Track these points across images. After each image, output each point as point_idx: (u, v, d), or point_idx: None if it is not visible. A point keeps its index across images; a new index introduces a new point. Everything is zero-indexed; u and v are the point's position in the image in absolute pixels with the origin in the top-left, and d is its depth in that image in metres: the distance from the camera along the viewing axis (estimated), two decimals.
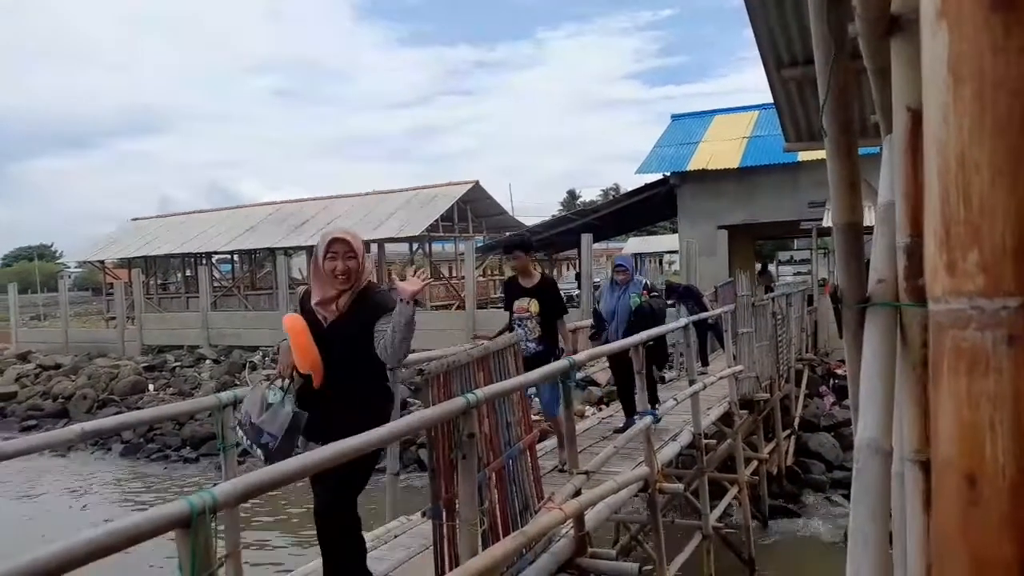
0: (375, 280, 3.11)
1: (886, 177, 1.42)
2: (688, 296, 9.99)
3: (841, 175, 1.23)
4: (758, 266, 21.20)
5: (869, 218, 1.73)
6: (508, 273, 30.80)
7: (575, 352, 5.13)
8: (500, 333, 5.52)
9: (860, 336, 1.37)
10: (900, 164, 1.21)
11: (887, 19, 1.20)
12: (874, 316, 1.32)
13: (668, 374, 10.39)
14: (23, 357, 22.45)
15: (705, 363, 9.85)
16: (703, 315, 8.28)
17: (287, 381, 2.94)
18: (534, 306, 5.06)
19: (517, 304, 5.12)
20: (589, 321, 10.04)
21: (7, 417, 17.56)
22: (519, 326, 5.04)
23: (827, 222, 15.13)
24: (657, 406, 5.97)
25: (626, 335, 5.67)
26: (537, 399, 5.38)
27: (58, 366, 20.54)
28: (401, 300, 2.79)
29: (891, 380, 1.27)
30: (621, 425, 6.44)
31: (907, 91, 1.18)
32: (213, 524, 1.60)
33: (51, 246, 72.43)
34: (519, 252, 5.18)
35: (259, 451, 2.85)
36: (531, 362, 4.58)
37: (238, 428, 2.98)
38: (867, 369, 1.29)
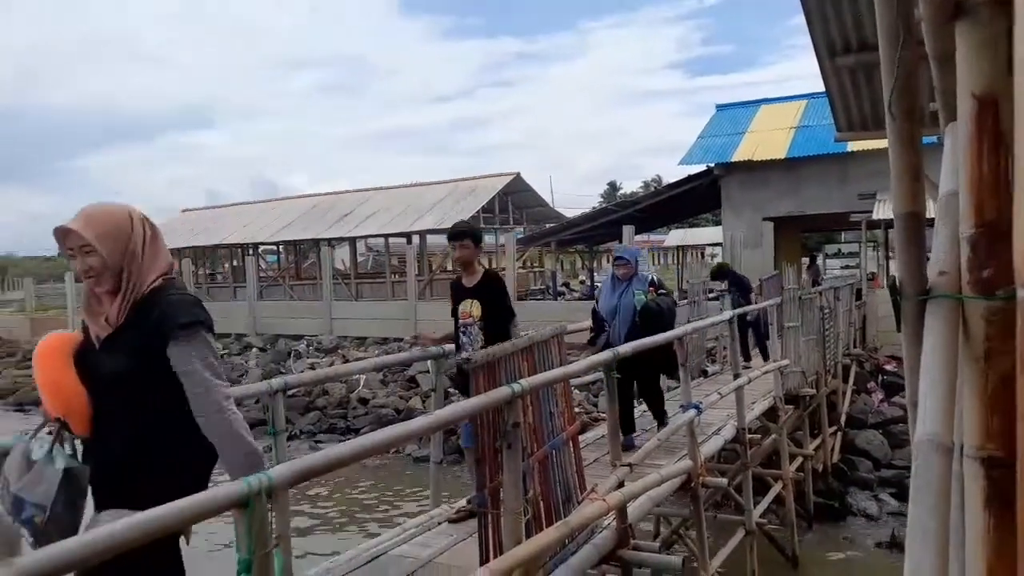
0: (177, 276, 2.26)
1: (949, 166, 1.38)
2: (738, 285, 9.81)
3: (904, 163, 1.20)
4: (806, 260, 20.78)
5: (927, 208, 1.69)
6: (551, 265, 30.56)
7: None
8: (443, 338, 4.64)
9: (919, 330, 1.34)
10: (965, 153, 1.18)
11: (952, 3, 1.16)
12: (935, 309, 1.29)
13: (711, 368, 10.26)
14: None
15: (747, 358, 9.68)
16: (742, 310, 8.06)
17: (57, 427, 2.08)
18: (476, 309, 4.21)
19: (461, 308, 4.28)
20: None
21: None
22: (463, 334, 4.25)
23: (878, 214, 14.76)
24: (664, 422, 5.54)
25: (629, 338, 4.98)
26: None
27: None
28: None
29: (952, 374, 1.24)
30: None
31: (973, 77, 1.15)
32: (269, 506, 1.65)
33: None
34: (468, 241, 4.27)
35: (25, 531, 1.92)
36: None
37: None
38: (927, 363, 1.26)
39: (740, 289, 9.76)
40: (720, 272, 10.41)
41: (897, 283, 1.35)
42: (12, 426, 15.51)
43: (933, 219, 1.35)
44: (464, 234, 4.29)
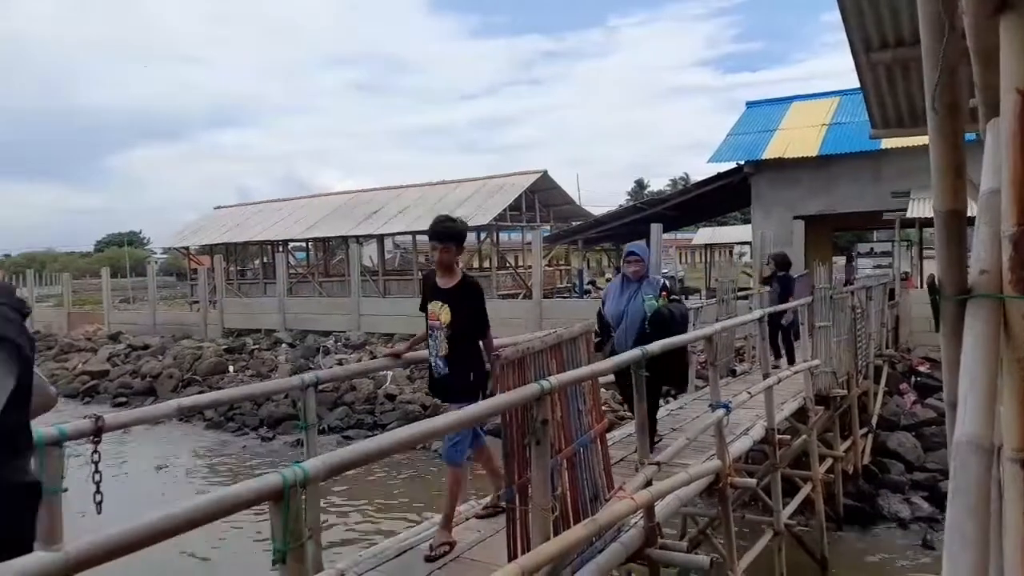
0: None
1: (990, 163, 1.36)
2: (783, 283, 9.51)
3: (946, 160, 1.19)
4: (842, 259, 20.48)
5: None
6: (578, 263, 30.41)
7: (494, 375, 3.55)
8: (412, 344, 4.31)
9: (959, 329, 1.32)
10: (1007, 149, 1.16)
11: None
12: (976, 308, 1.27)
13: (739, 367, 10.15)
14: (114, 337, 23.84)
15: (777, 355, 9.51)
16: (771, 309, 7.88)
17: None
18: (445, 314, 3.84)
19: (431, 308, 3.95)
20: None
21: (100, 394, 18.68)
22: (431, 336, 3.94)
23: (913, 212, 14.48)
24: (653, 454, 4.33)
25: (637, 346, 4.26)
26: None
27: (146, 347, 21.69)
28: None
29: (993, 375, 1.22)
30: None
31: (1017, 72, 1.13)
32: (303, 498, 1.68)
33: (140, 233, 76.55)
34: (451, 244, 3.90)
35: None
36: (436, 387, 3.94)
37: None
38: (967, 363, 1.24)
39: (782, 289, 9.45)
40: (778, 260, 9.82)
41: (936, 282, 1.33)
42: (48, 418, 15.89)
43: (973, 217, 1.33)
44: (448, 236, 3.89)
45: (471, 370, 3.84)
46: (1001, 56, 1.15)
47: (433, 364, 3.94)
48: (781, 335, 9.43)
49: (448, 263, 3.93)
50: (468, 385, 3.81)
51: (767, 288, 9.85)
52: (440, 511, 3.95)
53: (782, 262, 9.76)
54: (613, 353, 4.58)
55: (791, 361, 9.15)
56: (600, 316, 5.44)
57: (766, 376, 5.82)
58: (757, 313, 6.47)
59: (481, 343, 3.93)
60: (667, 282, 5.40)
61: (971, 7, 1.16)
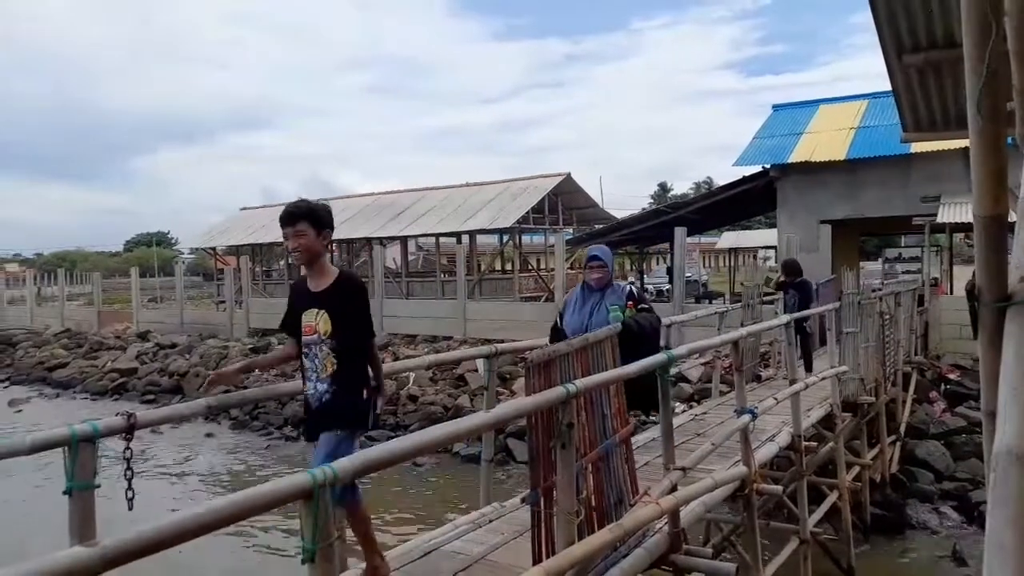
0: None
1: None
2: (801, 289, 9.34)
3: (987, 164, 1.17)
4: (870, 264, 20.25)
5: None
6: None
7: (384, 393, 3.23)
8: (244, 369, 3.53)
9: (998, 337, 1.30)
10: None
11: None
12: (1016, 316, 1.24)
13: (764, 372, 10.04)
14: (143, 336, 24.25)
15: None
16: (798, 314, 7.72)
17: None
18: (324, 323, 3.09)
19: (304, 319, 3.16)
20: (683, 316, 9.72)
21: (129, 391, 18.99)
22: (306, 356, 3.16)
23: (943, 218, 14.25)
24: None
25: None
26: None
27: (174, 345, 22.02)
28: None
29: None
30: None
31: None
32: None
33: (168, 233, 77.90)
34: (303, 224, 3.11)
35: None
36: (318, 418, 3.09)
37: None
38: (1007, 371, 1.22)
39: (801, 296, 9.28)
40: (789, 267, 9.65)
41: (975, 288, 1.31)
42: (80, 415, 16.20)
43: (1013, 223, 1.30)
44: (297, 215, 3.10)
45: (358, 387, 3.12)
46: None
47: (312, 392, 3.11)
48: (799, 341, 9.27)
49: (309, 250, 3.13)
50: (354, 406, 3.09)
51: (783, 295, 9.69)
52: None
53: (791, 269, 9.62)
54: None
55: (808, 367, 8.97)
56: (558, 332, 4.54)
57: (792, 382, 5.75)
58: (784, 318, 6.40)
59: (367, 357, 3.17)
60: (634, 289, 4.73)
61: (1013, 8, 1.13)
